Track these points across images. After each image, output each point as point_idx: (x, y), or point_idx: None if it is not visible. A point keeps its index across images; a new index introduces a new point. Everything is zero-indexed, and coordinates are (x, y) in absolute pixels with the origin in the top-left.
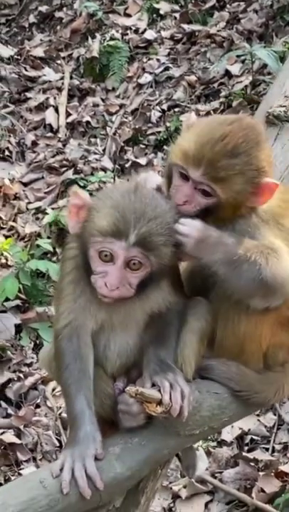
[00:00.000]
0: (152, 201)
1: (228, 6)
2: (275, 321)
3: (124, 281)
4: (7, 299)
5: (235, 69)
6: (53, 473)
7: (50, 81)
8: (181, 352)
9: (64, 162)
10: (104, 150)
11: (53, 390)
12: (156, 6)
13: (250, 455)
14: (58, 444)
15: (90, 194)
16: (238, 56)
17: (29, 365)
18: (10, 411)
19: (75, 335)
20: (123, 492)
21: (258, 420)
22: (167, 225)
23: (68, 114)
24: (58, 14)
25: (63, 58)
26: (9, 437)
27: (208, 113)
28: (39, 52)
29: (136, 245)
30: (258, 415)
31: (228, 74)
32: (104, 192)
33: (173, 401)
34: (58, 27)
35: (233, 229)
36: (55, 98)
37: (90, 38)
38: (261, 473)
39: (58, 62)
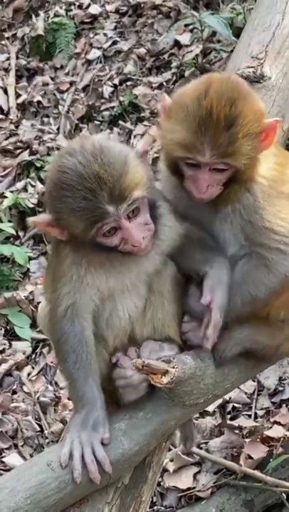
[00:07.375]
0: None
1: None
2: None
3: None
4: None
5: (184, 39)
6: (62, 463)
7: None
8: None
9: (18, 144)
10: (58, 129)
11: (29, 374)
12: None
13: (234, 423)
14: (38, 429)
15: None
16: (186, 25)
17: (1, 351)
18: None
19: (77, 316)
20: (131, 468)
21: (238, 388)
22: None
23: (18, 95)
24: None
25: (7, 38)
26: None
27: (160, 85)
28: None
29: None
30: None
31: (177, 44)
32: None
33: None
34: (0, 7)
35: (237, 208)
36: (2, 79)
37: (33, 16)
38: (247, 440)
39: (3, 42)
